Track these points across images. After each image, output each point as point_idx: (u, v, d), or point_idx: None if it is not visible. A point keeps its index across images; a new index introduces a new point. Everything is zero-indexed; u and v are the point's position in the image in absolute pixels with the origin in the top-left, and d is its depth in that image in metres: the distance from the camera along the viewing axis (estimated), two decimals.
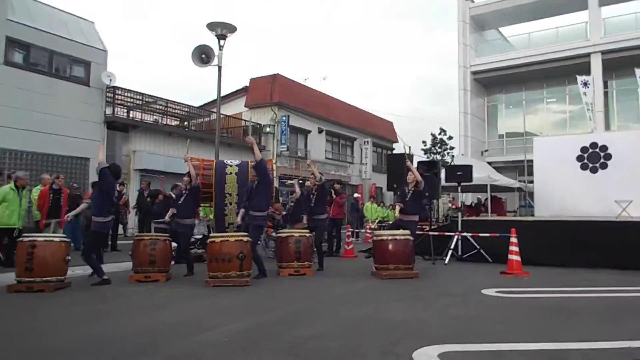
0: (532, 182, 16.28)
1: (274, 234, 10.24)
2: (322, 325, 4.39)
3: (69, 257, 6.52)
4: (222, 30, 11.30)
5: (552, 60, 24.64)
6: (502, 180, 17.37)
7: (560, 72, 24.99)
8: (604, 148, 13.46)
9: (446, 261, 9.58)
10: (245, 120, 24.75)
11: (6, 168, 12.79)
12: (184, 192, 7.97)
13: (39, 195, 9.90)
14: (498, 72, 26.61)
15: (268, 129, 24.51)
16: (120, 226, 13.70)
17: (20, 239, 6.44)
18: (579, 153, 13.77)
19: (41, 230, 9.18)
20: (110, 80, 16.88)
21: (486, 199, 18.08)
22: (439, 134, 29.32)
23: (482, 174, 15.27)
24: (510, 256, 8.23)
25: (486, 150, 27.60)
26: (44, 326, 4.43)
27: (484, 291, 6.26)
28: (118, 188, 12.71)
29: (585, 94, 21.46)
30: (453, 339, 3.84)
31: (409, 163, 8.47)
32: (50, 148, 14.98)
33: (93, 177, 11.88)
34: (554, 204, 13.67)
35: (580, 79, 21.64)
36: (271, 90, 24.78)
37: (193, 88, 58.09)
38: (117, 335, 4.06)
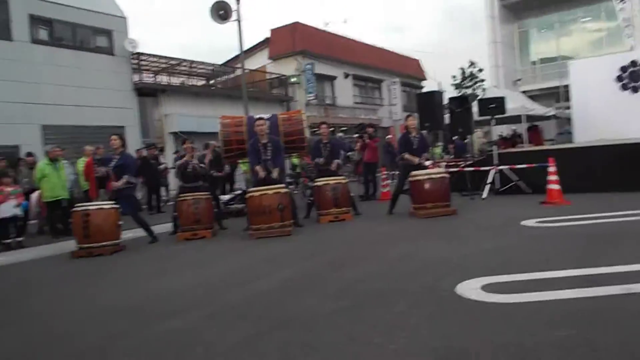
0: (569, 108, 15.76)
1: (310, 184, 10.43)
2: (365, 267, 4.58)
3: (121, 222, 6.92)
4: None
5: None
6: (537, 109, 16.86)
7: None
8: None
9: (484, 196, 9.58)
10: (270, 73, 24.59)
11: (49, 144, 13.31)
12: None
13: (85, 166, 10.33)
14: None
15: (294, 79, 24.31)
16: (163, 188, 14.18)
17: (74, 209, 6.84)
18: (619, 73, 13.19)
19: (91, 200, 9.66)
20: (133, 46, 16.96)
21: (525, 130, 17.62)
22: (469, 67, 28.38)
23: (516, 104, 14.86)
24: (549, 186, 8.16)
25: (519, 79, 26.61)
26: (110, 286, 4.80)
27: (524, 222, 6.30)
28: (155, 152, 13.15)
29: (622, 9, 20.14)
30: (495, 271, 3.96)
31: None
32: (87, 120, 15.39)
33: (131, 144, 12.19)
34: (594, 129, 13.24)
35: None
36: (293, 40, 24.36)
37: (216, 45, 57.57)
38: (175, 289, 4.37)
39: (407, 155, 8.04)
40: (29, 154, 9.90)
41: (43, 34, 15.13)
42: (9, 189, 8.05)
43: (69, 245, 7.08)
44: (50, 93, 14.62)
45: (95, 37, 16.37)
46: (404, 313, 3.18)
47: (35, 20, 14.77)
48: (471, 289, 3.52)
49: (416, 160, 7.94)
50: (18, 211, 8.08)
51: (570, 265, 3.96)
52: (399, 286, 3.83)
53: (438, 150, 17.88)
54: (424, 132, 8.63)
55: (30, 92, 14.24)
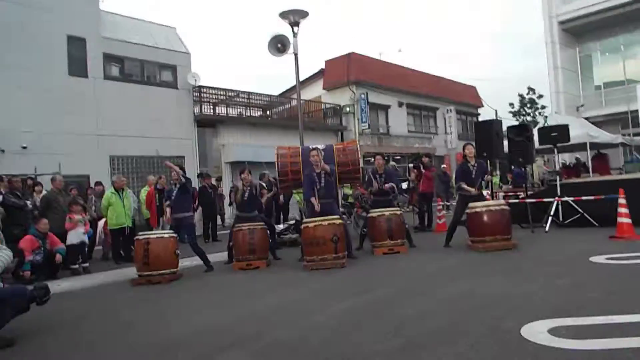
0: (638, 134, 14.87)
1: (363, 214, 10.35)
2: (422, 304, 4.43)
3: (179, 251, 7.12)
4: (294, 17, 11.42)
5: None
6: (602, 136, 16.00)
7: None
8: None
9: (546, 228, 9.12)
10: (325, 103, 24.97)
11: (116, 173, 14.09)
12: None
13: (146, 195, 10.82)
14: (589, 18, 24.24)
15: (348, 109, 24.55)
16: (219, 217, 14.53)
17: (137, 237, 7.12)
18: None
19: (152, 228, 10.07)
20: (195, 80, 17.82)
21: (589, 158, 16.74)
22: (527, 93, 27.57)
23: (579, 131, 14.16)
24: (619, 219, 7.65)
25: (582, 105, 25.45)
26: (167, 316, 4.90)
27: (592, 258, 5.91)
28: (214, 182, 13.57)
29: None
30: (562, 313, 3.71)
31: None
32: (151, 150, 16.22)
33: (189, 174, 12.67)
34: None
35: None
36: (347, 70, 24.71)
37: (272, 76, 59.36)
38: (225, 322, 4.38)
39: (464, 185, 7.83)
40: (98, 183, 10.51)
41: (115, 70, 16.25)
42: (78, 216, 8.52)
43: (130, 271, 7.35)
44: (118, 125, 15.57)
45: (161, 72, 17.36)
46: (463, 355, 3.03)
47: (108, 58, 15.88)
48: (537, 332, 3.30)
49: (473, 190, 7.71)
50: (85, 238, 8.53)
51: None
52: (459, 326, 3.66)
53: (496, 179, 17.30)
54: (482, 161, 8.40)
55: (101, 124, 15.25)
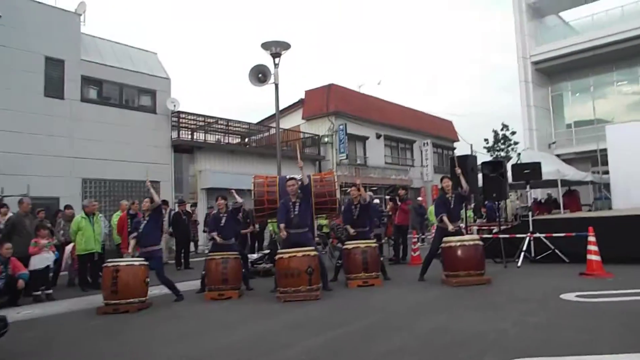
0: (607, 172, 15.33)
1: (339, 245, 10.31)
2: (397, 339, 4.38)
3: (148, 279, 6.93)
4: (276, 48, 11.60)
5: (620, 42, 23.06)
6: (573, 173, 16.46)
7: (631, 53, 23.35)
8: None
9: (519, 264, 9.22)
10: (304, 133, 25.13)
11: (88, 197, 13.76)
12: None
13: (118, 221, 10.57)
14: (561, 60, 25.25)
15: (326, 139, 24.73)
16: (192, 243, 14.27)
17: (105, 264, 6.90)
18: None
19: (122, 254, 9.79)
20: (174, 105, 17.74)
21: (560, 194, 17.15)
22: (501, 129, 28.31)
23: (550, 168, 14.55)
24: (589, 256, 7.79)
25: (554, 143, 26.24)
26: (133, 348, 4.72)
27: (563, 296, 5.98)
28: (189, 209, 13.36)
29: None
30: (534, 352, 3.71)
31: (459, 171, 8.21)
32: (126, 175, 15.95)
33: (165, 199, 12.47)
34: (634, 195, 12.82)
35: None
36: (327, 100, 25.01)
37: (252, 104, 59.71)
38: (199, 355, 4.25)
39: (445, 219, 7.86)
40: (68, 207, 10.20)
41: (93, 93, 16.07)
42: (44, 241, 8.25)
43: (97, 299, 7.09)
44: (93, 148, 15.32)
45: (140, 96, 17.25)
46: None
47: (87, 81, 15.73)
48: None
49: (450, 227, 7.76)
50: (50, 264, 8.23)
51: (617, 348, 3.68)
52: None
53: (470, 213, 17.53)
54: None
55: (76, 147, 14.97)
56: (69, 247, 9.61)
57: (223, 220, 7.95)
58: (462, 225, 8.09)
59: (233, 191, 8.75)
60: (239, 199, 8.24)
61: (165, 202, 12.65)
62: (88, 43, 16.25)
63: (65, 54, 15.04)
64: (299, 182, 7.71)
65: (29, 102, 14.06)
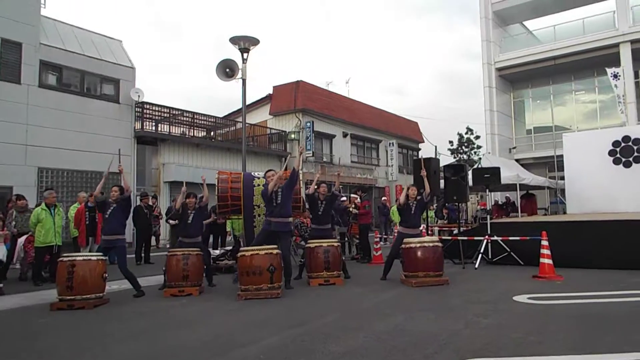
0: (563, 178, 15.94)
1: (302, 243, 10.34)
2: (355, 339, 4.44)
3: (106, 275, 6.77)
4: (244, 43, 11.47)
5: (579, 53, 24.03)
6: (531, 178, 17.04)
7: (589, 63, 24.36)
8: (638, 141, 13.13)
9: (476, 265, 9.50)
10: (270, 128, 25.01)
11: (44, 186, 13.29)
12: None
13: (75, 213, 10.26)
14: (524, 67, 26.09)
15: (293, 136, 24.71)
16: (153, 238, 14.01)
17: (61, 258, 6.69)
18: (611, 147, 13.47)
19: (79, 247, 9.51)
20: (139, 96, 17.32)
21: (518, 198, 17.71)
22: (466, 133, 28.96)
23: (510, 172, 15.03)
24: (541, 259, 8.11)
25: (514, 148, 27.09)
26: (87, 344, 4.61)
27: (516, 298, 6.21)
28: (150, 202, 13.08)
29: (616, 86, 20.84)
30: (485, 352, 3.85)
31: (424, 173, 8.53)
32: (85, 165, 15.47)
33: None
34: (587, 201, 13.38)
35: (610, 71, 21.02)
36: (295, 97, 24.97)
37: (218, 98, 58.93)
38: (152, 353, 4.20)
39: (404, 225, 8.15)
40: (20, 197, 9.75)
41: (52, 79, 15.46)
42: None
43: (51, 294, 6.89)
44: (51, 136, 14.77)
45: (102, 85, 16.73)
46: None
47: (45, 66, 15.13)
48: None
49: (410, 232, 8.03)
50: (1, 256, 7.93)
51: (564, 349, 3.86)
52: None
53: (432, 213, 17.89)
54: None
55: (32, 134, 14.39)
56: (21, 239, 9.25)
57: (191, 218, 7.86)
58: (423, 230, 8.37)
59: (203, 180, 8.58)
60: (206, 192, 8.17)
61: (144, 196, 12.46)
62: (48, 27, 15.65)
63: (23, 36, 14.42)
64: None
65: None
